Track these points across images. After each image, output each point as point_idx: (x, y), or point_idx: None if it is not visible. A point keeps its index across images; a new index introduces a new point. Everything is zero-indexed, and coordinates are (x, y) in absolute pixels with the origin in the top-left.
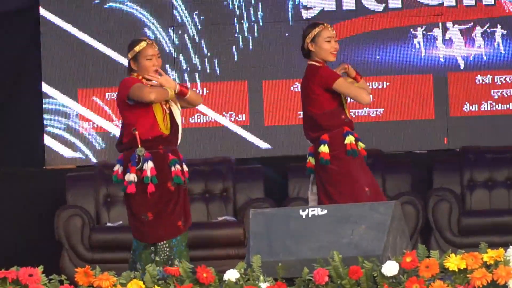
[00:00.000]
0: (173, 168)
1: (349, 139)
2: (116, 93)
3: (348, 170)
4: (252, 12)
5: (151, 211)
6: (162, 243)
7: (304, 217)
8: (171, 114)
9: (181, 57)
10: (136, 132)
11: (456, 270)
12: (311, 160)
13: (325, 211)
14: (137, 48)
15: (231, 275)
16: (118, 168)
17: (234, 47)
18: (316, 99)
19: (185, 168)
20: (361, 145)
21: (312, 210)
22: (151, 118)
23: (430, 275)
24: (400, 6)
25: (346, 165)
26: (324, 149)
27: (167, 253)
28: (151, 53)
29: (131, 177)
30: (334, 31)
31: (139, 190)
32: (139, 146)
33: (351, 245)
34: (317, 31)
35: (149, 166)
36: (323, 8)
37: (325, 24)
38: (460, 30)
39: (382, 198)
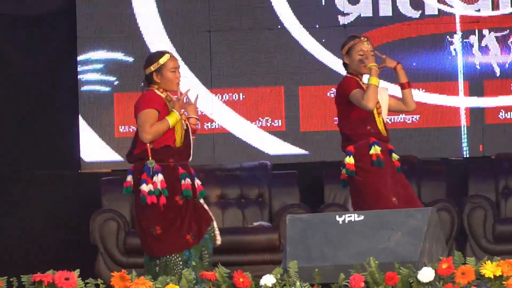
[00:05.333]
0: (183, 182)
1: (375, 150)
2: (136, 103)
3: (373, 181)
4: (289, 17)
5: (160, 224)
6: (175, 256)
7: (340, 223)
8: (186, 129)
9: (218, 63)
10: (148, 144)
11: (492, 277)
12: (344, 171)
13: (361, 217)
14: (161, 61)
15: (268, 280)
16: (130, 179)
17: (270, 52)
18: (342, 110)
19: (198, 182)
20: (394, 156)
21: (348, 216)
22: (169, 130)
23: (466, 282)
24: (436, 13)
25: (371, 176)
26: (349, 160)
27: (180, 266)
28: (174, 66)
29: (149, 187)
30: (370, 45)
31: (149, 203)
32: (150, 158)
33: (387, 251)
34: (351, 44)
35: (159, 178)
36: (360, 14)
37: (361, 38)
38: (496, 38)
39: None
